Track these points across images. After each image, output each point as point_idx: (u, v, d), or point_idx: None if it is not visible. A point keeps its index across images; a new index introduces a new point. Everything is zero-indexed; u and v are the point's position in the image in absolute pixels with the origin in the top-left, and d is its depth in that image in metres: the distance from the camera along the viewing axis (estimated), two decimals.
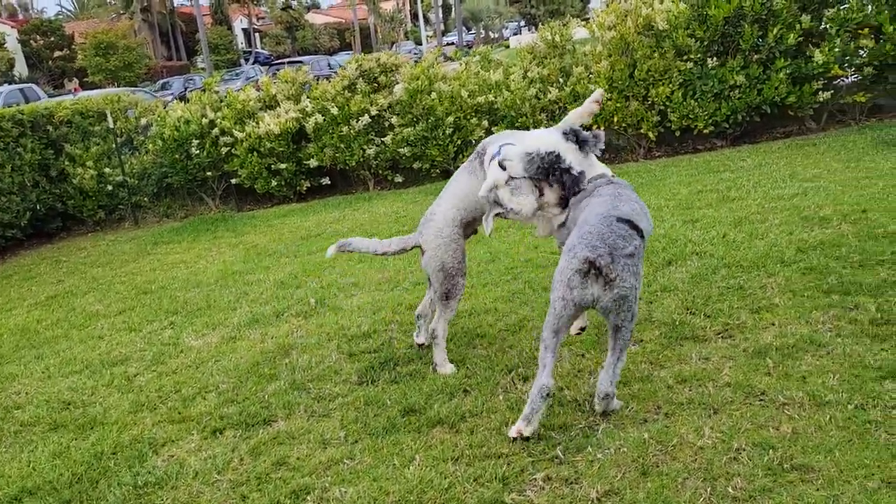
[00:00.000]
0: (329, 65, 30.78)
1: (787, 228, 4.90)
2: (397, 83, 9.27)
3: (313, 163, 9.44)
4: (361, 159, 9.34)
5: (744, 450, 2.65)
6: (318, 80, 10.38)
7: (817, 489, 2.39)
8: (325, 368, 3.99)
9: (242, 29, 64.61)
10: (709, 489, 2.48)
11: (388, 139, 9.18)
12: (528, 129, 8.54)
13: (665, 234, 5.23)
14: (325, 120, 9.28)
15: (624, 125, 8.41)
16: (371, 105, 9.24)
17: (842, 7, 7.60)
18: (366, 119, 9.14)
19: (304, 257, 6.54)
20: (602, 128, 8.59)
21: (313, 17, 66.79)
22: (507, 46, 37.92)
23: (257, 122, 9.41)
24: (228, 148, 9.56)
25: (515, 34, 51.39)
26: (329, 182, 9.79)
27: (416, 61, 9.94)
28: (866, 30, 7.54)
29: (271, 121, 9.26)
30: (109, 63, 38.59)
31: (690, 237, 5.07)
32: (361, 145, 9.24)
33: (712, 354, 3.42)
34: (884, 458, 2.46)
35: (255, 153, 9.40)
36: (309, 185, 9.75)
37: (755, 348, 3.38)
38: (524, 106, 8.57)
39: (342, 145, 9.27)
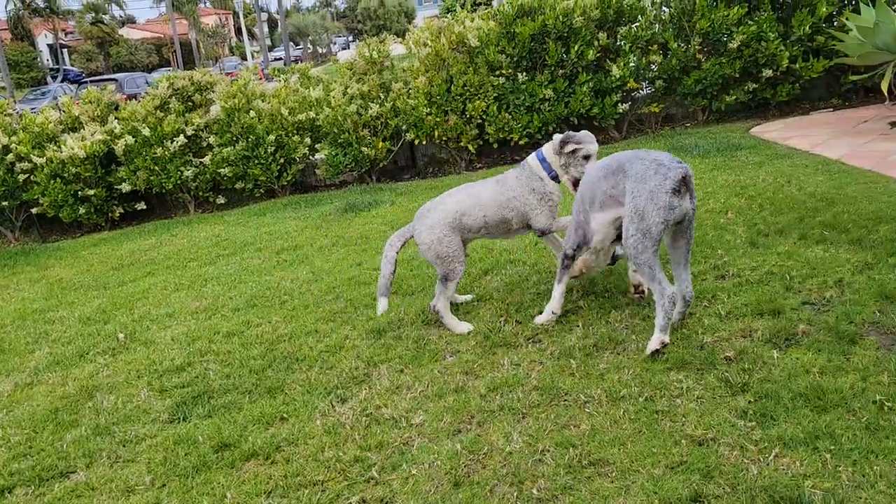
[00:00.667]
0: (147, 82, 29.20)
1: None
2: (213, 102, 8.95)
3: (126, 187, 8.89)
4: (179, 181, 8.91)
5: (548, 451, 2.77)
6: (132, 98, 9.83)
7: (612, 481, 2.54)
8: (133, 408, 3.74)
9: (48, 45, 59.87)
10: (515, 493, 2.57)
11: (207, 160, 8.83)
12: (350, 144, 8.57)
13: (483, 245, 5.39)
14: (136, 141, 8.77)
15: (445, 139, 8.62)
16: (186, 125, 8.85)
17: (633, 25, 8.25)
18: (181, 139, 8.74)
19: (114, 289, 6.12)
20: (424, 142, 8.77)
21: (129, 32, 63.20)
22: (336, 61, 37.80)
23: (59, 146, 8.73)
24: (27, 175, 8.79)
25: (344, 49, 51.42)
26: (145, 207, 9.26)
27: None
28: (655, 46, 8.23)
29: (75, 144, 8.62)
30: None
31: (505, 246, 5.26)
32: (178, 167, 8.83)
33: (523, 360, 3.55)
34: (668, 445, 2.66)
35: (58, 179, 8.71)
36: (122, 210, 9.17)
37: (561, 350, 3.55)
38: (346, 122, 8.56)
39: (157, 167, 8.80)
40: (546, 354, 3.56)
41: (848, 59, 7.29)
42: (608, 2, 8.09)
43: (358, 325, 4.35)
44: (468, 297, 4.44)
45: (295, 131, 8.89)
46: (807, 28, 7.76)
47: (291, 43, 54.96)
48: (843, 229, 4.34)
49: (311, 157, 9.25)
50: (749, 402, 2.84)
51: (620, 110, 8.34)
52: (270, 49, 59.81)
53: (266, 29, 60.69)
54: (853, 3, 7.85)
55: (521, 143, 8.54)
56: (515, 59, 8.30)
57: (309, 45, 55.94)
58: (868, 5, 7.15)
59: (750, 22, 7.90)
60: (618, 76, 8.12)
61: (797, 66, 7.95)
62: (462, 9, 9.54)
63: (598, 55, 8.16)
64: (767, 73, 7.96)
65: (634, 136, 8.75)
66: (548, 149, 4.10)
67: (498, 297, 4.37)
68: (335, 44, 59.29)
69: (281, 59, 48.39)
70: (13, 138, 8.83)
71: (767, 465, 2.47)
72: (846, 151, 6.13)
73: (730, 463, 2.51)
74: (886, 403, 2.66)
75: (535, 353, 3.60)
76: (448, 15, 8.92)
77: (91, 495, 3.00)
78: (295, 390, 3.62)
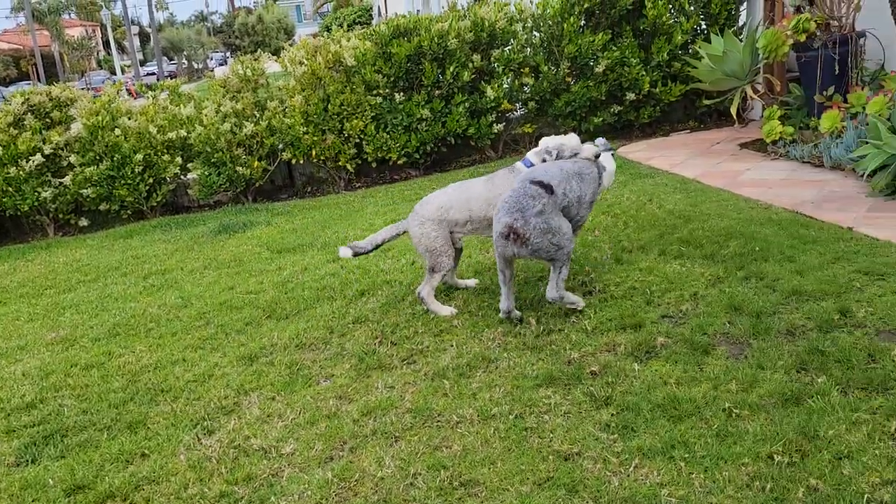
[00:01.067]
0: (2, 96, 27.32)
1: (467, 252, 5.27)
2: (74, 119, 8.46)
3: None
4: (36, 203, 8.35)
5: (420, 474, 2.76)
6: None
7: (482, 501, 2.56)
8: None
9: None
10: None
11: (67, 180, 8.32)
12: (224, 163, 8.32)
13: (359, 265, 5.35)
14: None
15: (323, 158, 8.53)
16: (44, 143, 8.32)
17: (505, 49, 8.49)
18: (38, 158, 8.20)
19: None
20: (301, 161, 8.65)
21: None
22: (213, 77, 36.79)
23: None
24: None
25: (221, 65, 50.07)
26: None
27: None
28: (527, 69, 8.50)
29: None
30: None
31: (382, 266, 5.24)
32: (35, 187, 8.27)
33: (397, 382, 3.53)
34: (535, 461, 2.72)
35: None
36: None
37: (435, 371, 3.56)
38: (219, 141, 8.31)
39: (10, 188, 8.22)
40: (420, 375, 3.56)
41: (701, 84, 7.80)
42: (481, 25, 8.29)
43: (229, 351, 4.20)
44: (472, 282, 4.60)
45: (165, 150, 8.53)
46: (665, 55, 8.25)
47: (165, 58, 53.00)
48: (698, 245, 4.61)
49: (182, 176, 8.91)
50: (612, 414, 2.95)
51: (496, 130, 8.54)
52: (142, 63, 57.43)
53: (137, 43, 58.27)
54: (705, 32, 8.42)
55: (399, 162, 8.58)
56: (392, 78, 8.35)
57: (184, 61, 54.05)
58: (717, 35, 7.69)
59: (614, 48, 8.32)
60: (492, 97, 8.32)
61: (657, 90, 8.43)
62: (339, 28, 9.53)
63: (473, 76, 8.33)
64: (631, 96, 8.39)
65: (510, 155, 8.97)
66: (531, 155, 4.38)
67: (374, 319, 4.34)
68: (212, 59, 57.63)
69: (154, 73, 46.55)
70: None
71: (628, 476, 2.57)
72: (701, 171, 6.54)
73: (593, 476, 2.59)
74: (734, 410, 2.83)
75: (410, 374, 3.59)
76: (327, 33, 8.86)
77: None
78: (158, 424, 3.44)
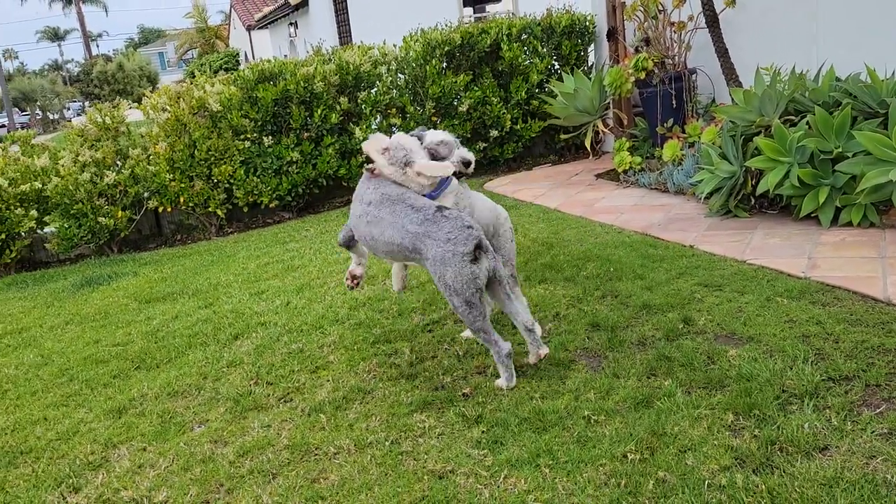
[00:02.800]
0: None
1: (341, 290, 5.34)
2: None
3: None
4: None
5: None
6: None
7: None
8: None
9: None
10: None
11: None
12: (85, 215, 7.99)
13: (233, 309, 5.29)
14: None
15: (191, 205, 8.36)
16: None
17: (372, 91, 8.70)
18: None
19: None
20: (169, 209, 8.44)
21: None
22: (72, 127, 35.04)
23: None
24: None
25: (80, 115, 47.80)
26: None
27: None
28: (394, 110, 8.73)
29: None
30: None
31: (256, 309, 5.21)
32: None
33: (274, 420, 3.53)
34: (411, 482, 2.80)
35: None
36: None
37: (311, 406, 3.59)
38: (79, 191, 7.98)
39: None
40: (297, 412, 3.57)
41: (558, 120, 8.29)
42: (346, 68, 8.47)
43: (95, 406, 4.04)
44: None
45: (18, 204, 8.09)
46: (523, 93, 8.73)
47: (16, 109, 50.04)
48: (560, 269, 4.90)
49: (39, 230, 8.47)
50: (482, 431, 3.09)
51: None
52: None
53: None
54: (558, 71, 8.98)
55: (271, 206, 8.54)
56: (260, 123, 8.34)
57: (38, 111, 51.16)
58: (569, 74, 8.23)
59: (475, 88, 8.71)
60: (361, 138, 8.47)
61: (519, 126, 8.88)
62: (202, 73, 9.45)
63: (341, 118, 8.46)
64: (494, 133, 8.79)
65: None
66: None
67: (249, 361, 4.31)
68: (69, 109, 54.88)
69: (4, 126, 43.78)
70: None
71: (498, 486, 2.70)
72: (562, 201, 6.93)
73: (465, 490, 2.70)
74: (593, 417, 3.04)
75: (287, 412, 3.60)
76: (192, 79, 8.75)
77: None
78: (18, 487, 3.27)
